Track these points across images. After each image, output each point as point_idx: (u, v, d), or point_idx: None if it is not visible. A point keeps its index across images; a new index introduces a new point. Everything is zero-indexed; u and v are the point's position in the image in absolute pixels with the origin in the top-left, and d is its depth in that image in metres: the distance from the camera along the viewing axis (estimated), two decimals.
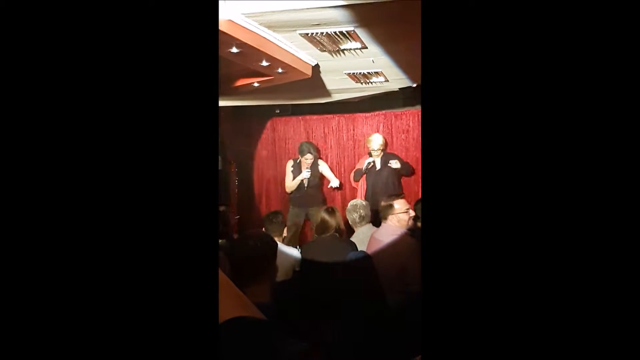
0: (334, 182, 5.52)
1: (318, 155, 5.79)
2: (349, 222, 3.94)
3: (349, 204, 3.95)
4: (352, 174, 5.56)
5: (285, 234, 3.71)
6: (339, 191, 5.92)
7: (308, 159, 5.53)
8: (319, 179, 5.62)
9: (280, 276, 3.29)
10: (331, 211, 3.57)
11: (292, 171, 5.63)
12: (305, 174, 5.51)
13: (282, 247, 3.49)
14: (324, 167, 5.63)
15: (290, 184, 5.64)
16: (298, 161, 5.62)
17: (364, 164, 5.35)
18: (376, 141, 5.32)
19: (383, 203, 3.53)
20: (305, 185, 5.54)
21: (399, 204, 3.45)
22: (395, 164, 5.21)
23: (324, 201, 5.72)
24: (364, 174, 5.36)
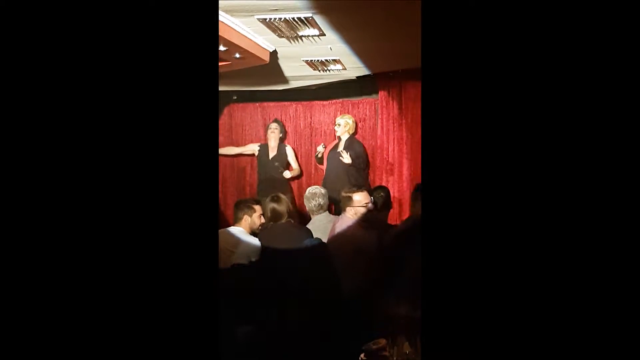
0: (289, 174, 5.46)
1: (285, 136, 5.80)
2: (307, 208, 3.93)
3: (307, 191, 3.89)
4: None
5: (248, 221, 3.63)
6: (298, 179, 5.92)
7: (272, 127, 5.57)
8: (285, 163, 5.56)
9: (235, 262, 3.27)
10: (277, 199, 3.55)
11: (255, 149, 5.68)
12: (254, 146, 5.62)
13: (243, 235, 3.46)
14: (289, 152, 5.63)
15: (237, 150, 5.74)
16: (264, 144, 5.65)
17: (319, 147, 5.36)
18: (339, 120, 5.33)
19: (343, 194, 3.52)
20: (270, 156, 5.49)
21: (359, 196, 3.44)
22: (346, 158, 5.05)
23: (291, 190, 5.67)
24: (320, 158, 5.36)
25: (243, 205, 3.62)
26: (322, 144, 5.43)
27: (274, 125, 5.60)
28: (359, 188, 3.58)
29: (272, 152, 5.54)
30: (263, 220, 3.66)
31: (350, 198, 3.44)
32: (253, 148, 5.73)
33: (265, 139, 5.68)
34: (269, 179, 5.47)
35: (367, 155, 5.41)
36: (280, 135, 5.63)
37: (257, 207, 3.65)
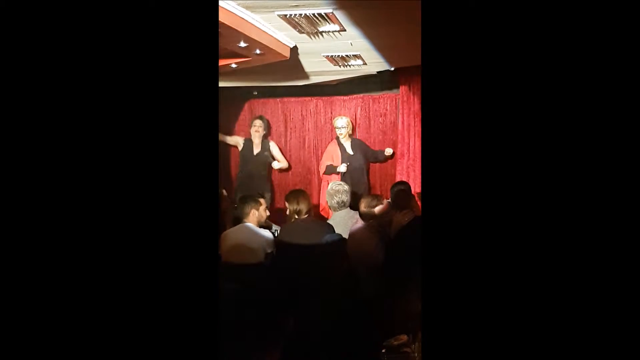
0: (278, 164, 5.57)
1: (269, 131, 5.83)
2: (328, 205, 3.93)
3: (330, 188, 3.87)
4: (322, 166, 5.53)
5: (256, 217, 3.66)
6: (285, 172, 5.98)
7: (257, 125, 5.58)
8: (268, 158, 5.60)
9: (252, 258, 3.30)
10: (299, 193, 3.59)
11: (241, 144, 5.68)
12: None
13: (254, 228, 3.50)
14: (274, 147, 5.67)
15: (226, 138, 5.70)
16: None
17: (340, 167, 5.28)
18: (340, 122, 5.42)
19: (363, 209, 3.50)
20: (254, 152, 5.53)
21: (380, 209, 3.45)
22: (388, 151, 5.39)
23: (271, 189, 5.73)
24: (335, 173, 5.34)
25: (249, 199, 3.63)
26: (344, 164, 5.33)
27: (258, 123, 5.60)
28: (379, 201, 3.56)
29: (257, 149, 5.57)
30: (269, 212, 3.70)
31: (371, 213, 3.45)
32: (237, 140, 5.72)
33: (249, 134, 5.70)
34: (249, 175, 5.52)
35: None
36: (264, 132, 5.66)
37: (262, 200, 3.68)
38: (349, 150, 5.37)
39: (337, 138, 5.45)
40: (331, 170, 5.36)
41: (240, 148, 5.70)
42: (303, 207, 3.52)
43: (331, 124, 5.92)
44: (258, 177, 5.53)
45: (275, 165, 5.54)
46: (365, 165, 5.43)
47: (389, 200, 3.86)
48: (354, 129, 5.67)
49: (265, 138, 5.69)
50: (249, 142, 5.63)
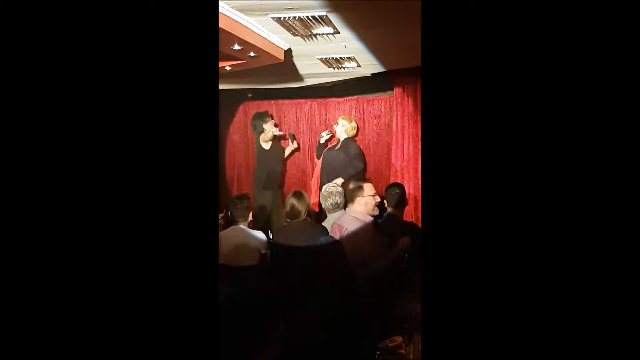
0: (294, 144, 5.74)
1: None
2: (322, 207, 3.93)
3: (324, 190, 3.88)
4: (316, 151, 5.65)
5: (251, 218, 3.69)
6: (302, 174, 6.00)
7: (272, 121, 5.64)
8: (282, 152, 5.73)
9: (247, 259, 3.30)
10: (299, 195, 3.56)
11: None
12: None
13: (247, 229, 3.51)
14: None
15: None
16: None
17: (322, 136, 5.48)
18: (339, 120, 5.49)
19: (351, 186, 3.53)
20: (266, 148, 5.58)
21: (367, 188, 3.47)
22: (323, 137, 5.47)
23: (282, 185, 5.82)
24: (323, 144, 5.47)
25: (239, 202, 3.66)
26: (328, 130, 5.52)
27: (269, 118, 5.65)
28: (366, 180, 3.62)
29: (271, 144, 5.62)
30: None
31: (360, 188, 3.45)
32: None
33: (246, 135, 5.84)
34: (266, 171, 5.54)
35: (363, 158, 5.47)
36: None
37: (250, 202, 3.76)
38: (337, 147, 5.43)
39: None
40: (319, 149, 5.51)
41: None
42: (302, 208, 3.51)
43: (326, 125, 5.95)
44: (274, 173, 5.58)
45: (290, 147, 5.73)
46: (351, 167, 5.27)
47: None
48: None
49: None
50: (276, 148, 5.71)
